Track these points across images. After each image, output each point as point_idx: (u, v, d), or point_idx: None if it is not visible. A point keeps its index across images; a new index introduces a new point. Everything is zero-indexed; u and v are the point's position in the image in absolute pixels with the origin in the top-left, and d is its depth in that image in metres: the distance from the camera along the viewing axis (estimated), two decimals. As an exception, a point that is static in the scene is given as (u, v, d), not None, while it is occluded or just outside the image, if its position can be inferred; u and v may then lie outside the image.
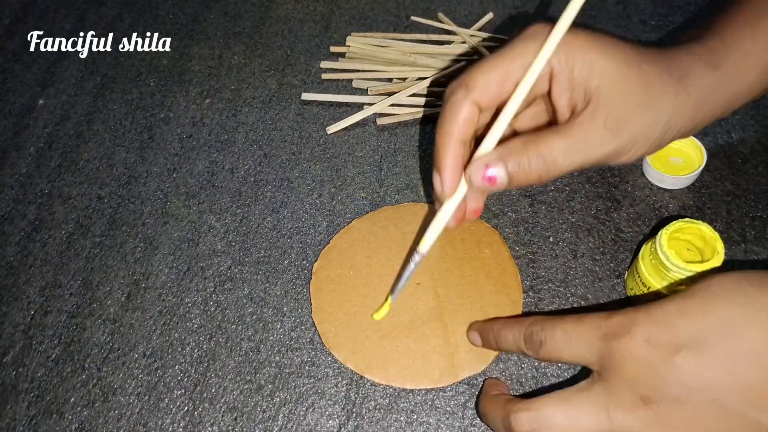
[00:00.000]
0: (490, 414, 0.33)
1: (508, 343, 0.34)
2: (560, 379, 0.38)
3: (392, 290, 0.39)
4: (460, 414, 0.37)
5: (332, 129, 0.49)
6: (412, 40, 0.55)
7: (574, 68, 0.32)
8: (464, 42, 0.54)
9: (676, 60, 0.34)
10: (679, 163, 0.45)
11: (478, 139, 0.34)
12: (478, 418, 0.37)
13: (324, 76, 0.53)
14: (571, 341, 0.30)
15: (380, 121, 0.50)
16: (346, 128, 0.50)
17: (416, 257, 0.36)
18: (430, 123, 0.50)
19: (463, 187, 0.34)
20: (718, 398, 0.26)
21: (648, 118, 0.33)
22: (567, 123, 0.33)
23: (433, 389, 0.38)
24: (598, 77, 0.32)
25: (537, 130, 0.33)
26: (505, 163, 0.32)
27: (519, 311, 0.40)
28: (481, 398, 0.36)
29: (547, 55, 0.31)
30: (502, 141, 0.33)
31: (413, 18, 0.57)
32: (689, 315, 0.27)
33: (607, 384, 0.28)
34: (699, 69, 0.34)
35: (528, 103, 0.34)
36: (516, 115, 0.33)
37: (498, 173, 0.32)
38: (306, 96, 0.52)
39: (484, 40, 0.54)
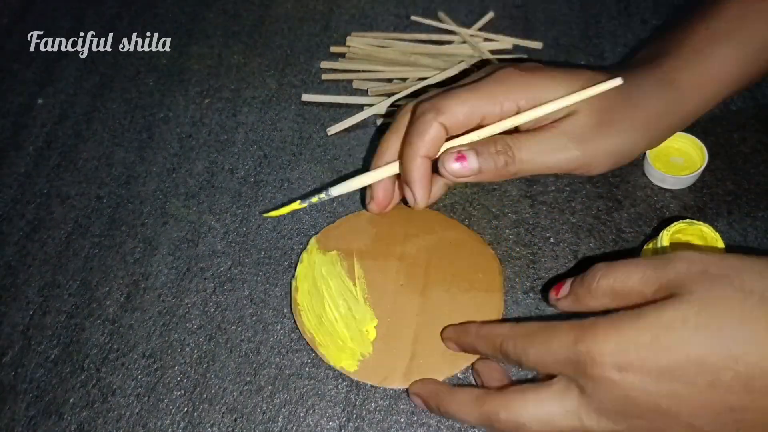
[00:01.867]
0: (460, 413, 0.33)
1: (487, 354, 0.35)
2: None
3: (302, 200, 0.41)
4: (460, 415, 0.37)
5: (332, 130, 0.49)
6: (412, 40, 0.55)
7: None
8: (465, 42, 0.54)
9: (634, 84, 0.38)
10: (681, 163, 0.45)
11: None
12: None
13: (324, 76, 0.53)
14: (545, 363, 0.30)
15: (381, 122, 0.50)
16: (346, 129, 0.50)
17: (323, 195, 0.40)
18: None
19: (394, 166, 0.39)
20: (692, 422, 0.27)
21: (609, 136, 0.37)
22: (535, 130, 0.37)
23: (433, 390, 0.38)
24: None
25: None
26: (476, 150, 0.36)
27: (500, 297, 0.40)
28: (438, 399, 0.35)
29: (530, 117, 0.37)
30: None
31: (414, 18, 0.57)
32: (662, 347, 0.27)
33: (581, 395, 0.29)
34: (655, 91, 0.38)
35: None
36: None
37: (468, 154, 0.36)
38: (306, 97, 0.52)
39: (485, 39, 0.54)
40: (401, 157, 0.38)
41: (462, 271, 0.41)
